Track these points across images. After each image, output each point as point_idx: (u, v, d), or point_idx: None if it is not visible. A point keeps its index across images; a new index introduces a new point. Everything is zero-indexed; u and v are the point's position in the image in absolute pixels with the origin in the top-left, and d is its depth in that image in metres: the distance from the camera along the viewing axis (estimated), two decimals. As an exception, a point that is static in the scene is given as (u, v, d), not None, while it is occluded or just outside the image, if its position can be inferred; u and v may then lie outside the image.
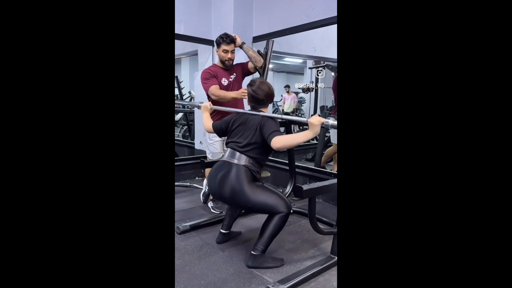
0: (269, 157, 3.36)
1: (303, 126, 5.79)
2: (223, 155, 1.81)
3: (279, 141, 1.51)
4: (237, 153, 1.67)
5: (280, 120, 1.70)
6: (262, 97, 1.72)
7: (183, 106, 4.93)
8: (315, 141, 4.93)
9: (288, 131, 2.71)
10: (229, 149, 1.73)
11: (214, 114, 2.35)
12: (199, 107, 2.06)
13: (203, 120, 1.96)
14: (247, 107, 1.96)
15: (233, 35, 2.31)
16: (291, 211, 1.63)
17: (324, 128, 3.25)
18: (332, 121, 1.44)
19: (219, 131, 1.86)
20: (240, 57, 2.50)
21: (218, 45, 2.29)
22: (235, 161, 1.65)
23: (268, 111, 1.78)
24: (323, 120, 1.46)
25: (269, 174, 2.87)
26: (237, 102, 2.32)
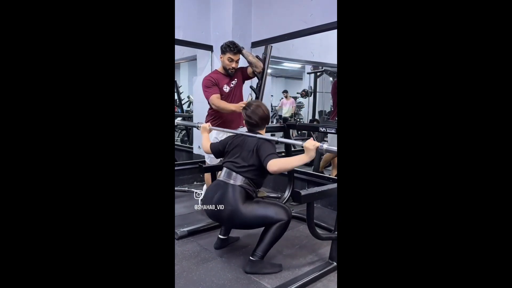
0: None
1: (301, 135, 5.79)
2: (220, 174, 1.82)
3: (275, 165, 1.53)
4: (233, 173, 1.68)
5: (276, 141, 1.71)
6: (256, 121, 1.75)
7: (183, 119, 4.88)
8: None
9: (287, 136, 2.71)
10: (225, 168, 1.73)
11: (214, 118, 2.35)
12: (198, 128, 2.08)
13: (202, 141, 2.00)
14: None
15: (240, 46, 2.30)
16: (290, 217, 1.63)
17: (323, 133, 3.26)
18: (326, 146, 1.46)
19: (216, 152, 1.88)
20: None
21: (224, 52, 2.27)
22: (231, 181, 1.66)
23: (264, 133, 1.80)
24: (317, 144, 1.48)
25: (266, 194, 2.86)
26: (237, 113, 2.31)
